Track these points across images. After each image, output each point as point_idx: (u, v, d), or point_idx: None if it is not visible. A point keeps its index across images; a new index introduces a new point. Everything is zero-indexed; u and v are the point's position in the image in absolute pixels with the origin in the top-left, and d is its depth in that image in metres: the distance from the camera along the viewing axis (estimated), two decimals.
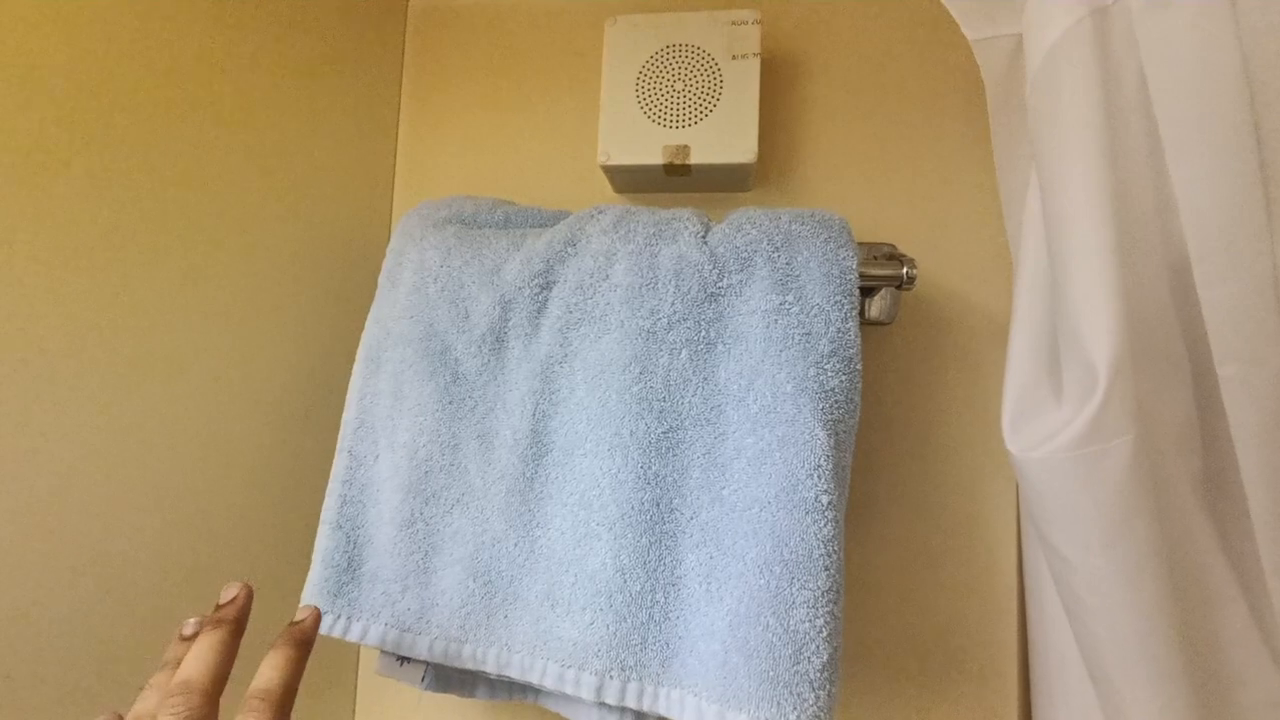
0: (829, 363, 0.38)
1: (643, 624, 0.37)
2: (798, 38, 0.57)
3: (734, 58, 0.52)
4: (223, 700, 0.29)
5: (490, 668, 0.39)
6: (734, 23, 0.52)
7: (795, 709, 0.34)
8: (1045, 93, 0.41)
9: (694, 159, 0.51)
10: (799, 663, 0.34)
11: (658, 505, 0.39)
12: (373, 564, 0.43)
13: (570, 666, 0.38)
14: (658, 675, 0.37)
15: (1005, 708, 0.50)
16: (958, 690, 0.50)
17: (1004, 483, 0.52)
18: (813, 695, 0.34)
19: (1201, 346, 0.39)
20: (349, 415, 0.46)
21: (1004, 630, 0.50)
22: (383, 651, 0.44)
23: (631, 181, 0.57)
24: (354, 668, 0.60)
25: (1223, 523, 0.41)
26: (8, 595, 0.35)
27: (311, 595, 0.43)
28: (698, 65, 0.52)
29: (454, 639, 0.40)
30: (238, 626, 0.31)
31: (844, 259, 0.40)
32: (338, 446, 0.46)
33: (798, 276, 0.40)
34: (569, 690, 0.38)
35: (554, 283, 0.43)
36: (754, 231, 0.41)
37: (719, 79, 0.52)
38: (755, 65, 0.51)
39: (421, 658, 0.41)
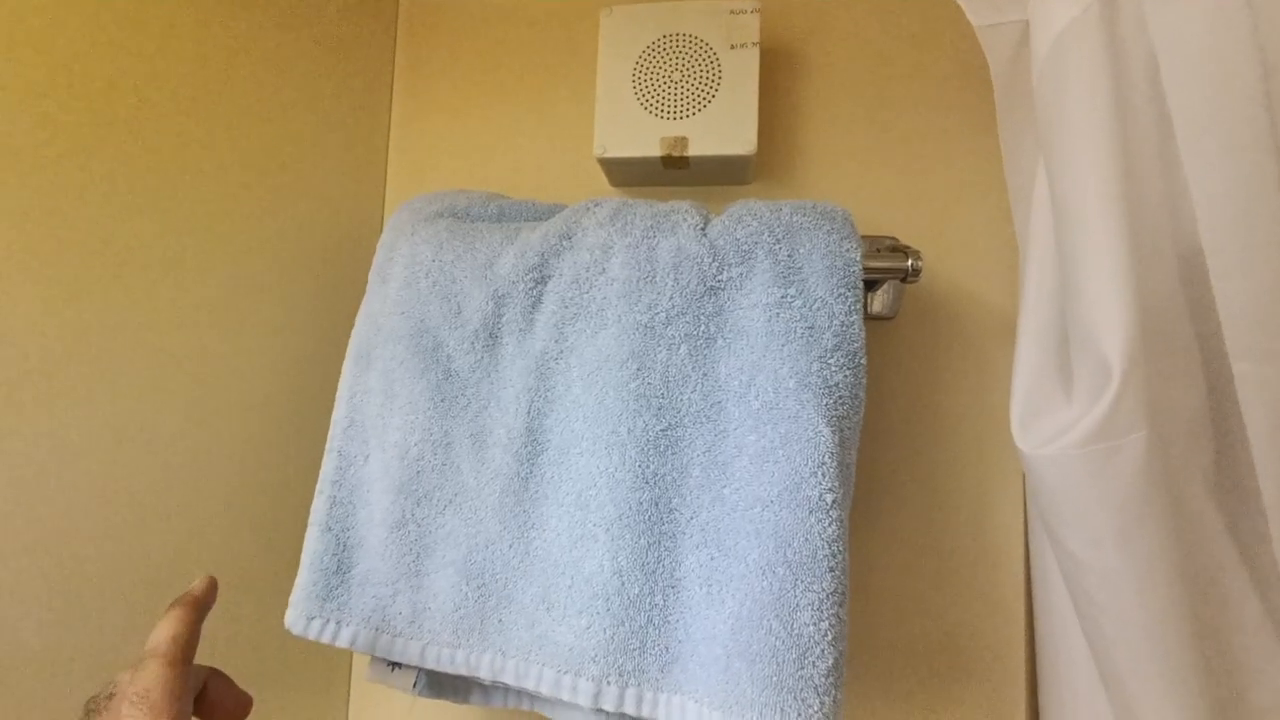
0: (833, 357, 0.37)
1: (641, 628, 0.36)
2: (797, 27, 0.56)
3: (733, 47, 0.50)
4: None
5: (484, 674, 0.38)
6: (733, 11, 0.51)
7: (800, 715, 0.33)
8: (1053, 81, 0.40)
9: (692, 151, 0.50)
10: (804, 667, 0.33)
11: (656, 505, 0.37)
12: (363, 567, 0.42)
13: (567, 672, 0.37)
14: (657, 681, 0.36)
15: (1013, 711, 0.49)
16: (965, 693, 0.49)
17: (1011, 481, 0.50)
18: (818, 701, 0.33)
19: (1214, 341, 0.38)
20: (338, 414, 0.45)
21: (1012, 631, 0.49)
22: (374, 657, 0.42)
23: (629, 175, 0.56)
24: (347, 672, 0.58)
25: (1235, 520, 0.40)
26: None
27: (300, 599, 0.42)
28: (696, 55, 0.51)
29: (447, 644, 0.39)
30: (198, 604, 0.31)
31: (847, 251, 0.39)
32: (327, 446, 0.44)
33: (800, 269, 0.39)
34: (565, 696, 0.36)
35: (549, 277, 0.42)
36: (754, 223, 0.40)
37: (717, 69, 0.50)
38: (754, 55, 0.50)
39: (413, 663, 0.40)
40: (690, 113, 0.51)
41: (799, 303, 0.38)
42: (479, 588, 0.39)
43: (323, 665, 0.55)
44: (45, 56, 0.36)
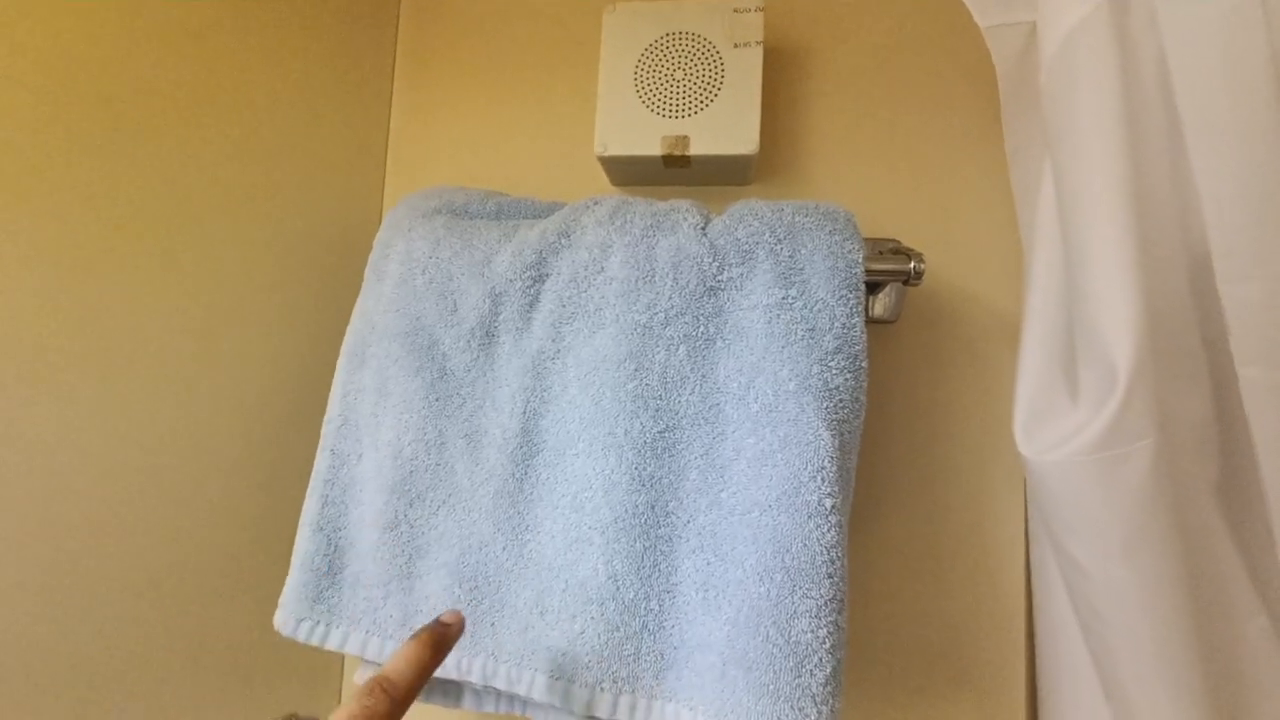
0: (833, 360, 0.36)
1: (636, 634, 0.36)
2: (801, 26, 0.56)
3: (736, 46, 0.50)
4: None
5: (476, 678, 0.38)
6: (736, 10, 0.50)
7: None
8: (1061, 81, 0.39)
9: (693, 150, 0.50)
10: (801, 676, 0.32)
11: (653, 509, 0.37)
12: (354, 568, 0.41)
13: (560, 678, 0.36)
14: (651, 688, 0.35)
15: None
16: (963, 703, 0.49)
17: (1012, 487, 0.50)
18: (815, 710, 0.32)
19: (1221, 346, 0.37)
20: (332, 412, 0.44)
21: (1011, 640, 0.49)
22: (364, 659, 0.42)
23: (629, 174, 0.55)
24: (339, 672, 0.58)
25: (1242, 531, 0.39)
26: None
27: (289, 600, 0.41)
28: (698, 53, 0.50)
29: None
30: (444, 643, 0.31)
31: (849, 252, 0.38)
32: (320, 445, 0.44)
33: (801, 270, 0.38)
34: (558, 703, 0.36)
35: (547, 275, 0.41)
36: (755, 223, 0.39)
37: (720, 68, 0.50)
38: (758, 54, 0.49)
39: None
40: (692, 111, 0.50)
41: (800, 304, 0.37)
42: (471, 590, 0.39)
43: (314, 666, 0.55)
44: (40, 53, 0.36)
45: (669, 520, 0.37)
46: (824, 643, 0.33)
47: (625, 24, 0.52)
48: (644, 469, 0.37)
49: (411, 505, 0.40)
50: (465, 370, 0.41)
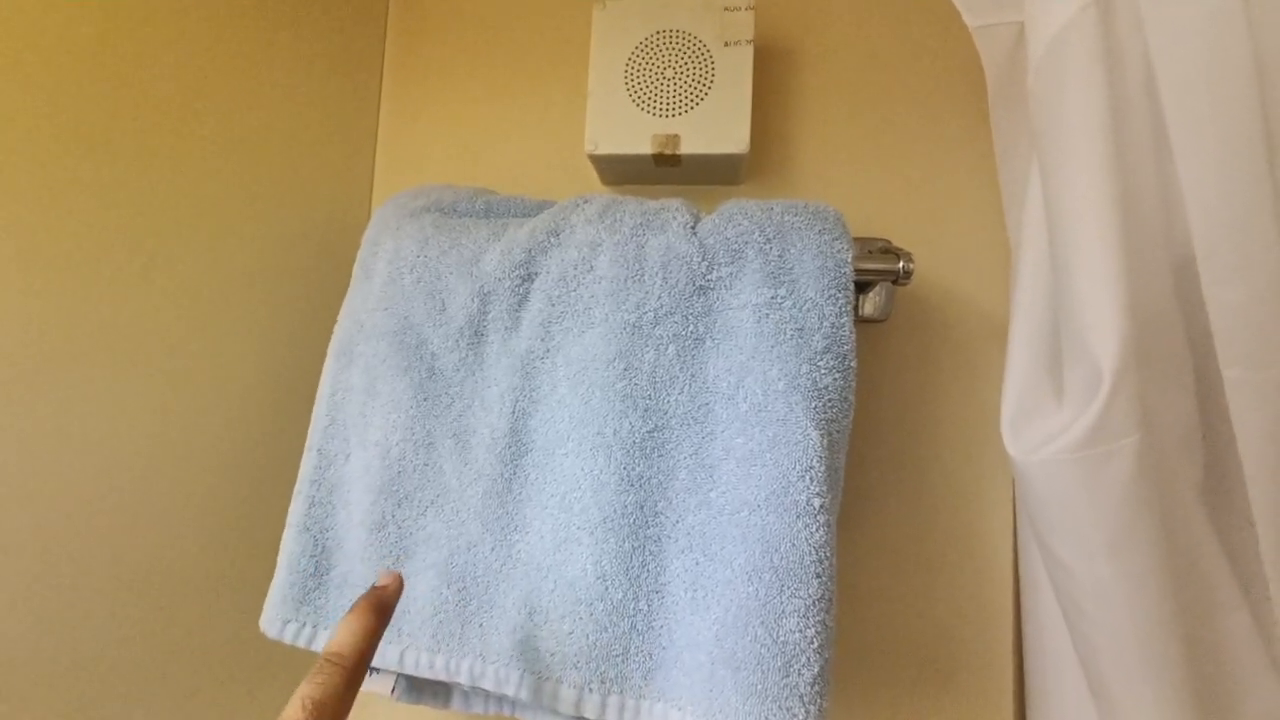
0: (822, 359, 0.36)
1: (625, 634, 0.35)
2: (791, 25, 0.56)
3: (726, 45, 0.50)
4: None
5: (464, 679, 0.37)
6: (727, 8, 0.50)
7: None
8: (1048, 83, 0.39)
9: (684, 149, 0.50)
10: (789, 675, 0.33)
11: (641, 508, 0.37)
12: (341, 569, 0.41)
13: (548, 679, 0.36)
14: (640, 688, 0.35)
15: (999, 719, 0.48)
16: (951, 701, 0.49)
17: (1000, 487, 0.50)
18: (802, 710, 0.32)
19: (1205, 347, 0.38)
20: (319, 412, 0.44)
21: (999, 639, 0.49)
22: None
23: (620, 172, 0.55)
24: None
25: (1225, 530, 0.40)
26: None
27: (275, 601, 0.41)
28: (689, 52, 0.50)
29: (426, 648, 0.38)
30: (385, 607, 0.31)
31: (839, 252, 0.38)
32: (306, 445, 0.43)
33: (790, 270, 0.38)
34: (546, 703, 0.36)
35: (536, 274, 0.41)
36: (745, 222, 0.39)
37: (710, 66, 0.50)
38: (748, 53, 0.49)
39: (392, 668, 0.39)
40: (683, 110, 0.50)
41: (789, 303, 0.37)
42: (460, 591, 0.38)
43: (302, 669, 0.54)
44: (27, 51, 0.35)
45: (658, 520, 0.37)
46: (812, 642, 0.33)
47: (615, 22, 0.51)
48: (633, 469, 0.37)
49: (399, 505, 0.40)
50: (454, 369, 0.41)
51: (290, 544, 0.42)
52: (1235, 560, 0.39)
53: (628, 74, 0.51)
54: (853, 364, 0.37)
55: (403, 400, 0.41)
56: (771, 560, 0.34)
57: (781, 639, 0.33)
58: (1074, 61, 0.38)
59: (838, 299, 0.37)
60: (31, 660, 0.36)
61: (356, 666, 0.28)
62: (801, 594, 0.33)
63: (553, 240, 0.42)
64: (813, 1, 0.56)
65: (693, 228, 0.41)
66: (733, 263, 0.39)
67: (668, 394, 0.38)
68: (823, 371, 0.36)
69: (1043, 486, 0.37)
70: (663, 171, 0.53)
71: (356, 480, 0.42)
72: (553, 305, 0.40)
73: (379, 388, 0.41)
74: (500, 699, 0.41)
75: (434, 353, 0.41)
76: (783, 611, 0.33)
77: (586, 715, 0.35)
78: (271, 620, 0.41)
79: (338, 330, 0.45)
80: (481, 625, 0.38)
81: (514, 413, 0.40)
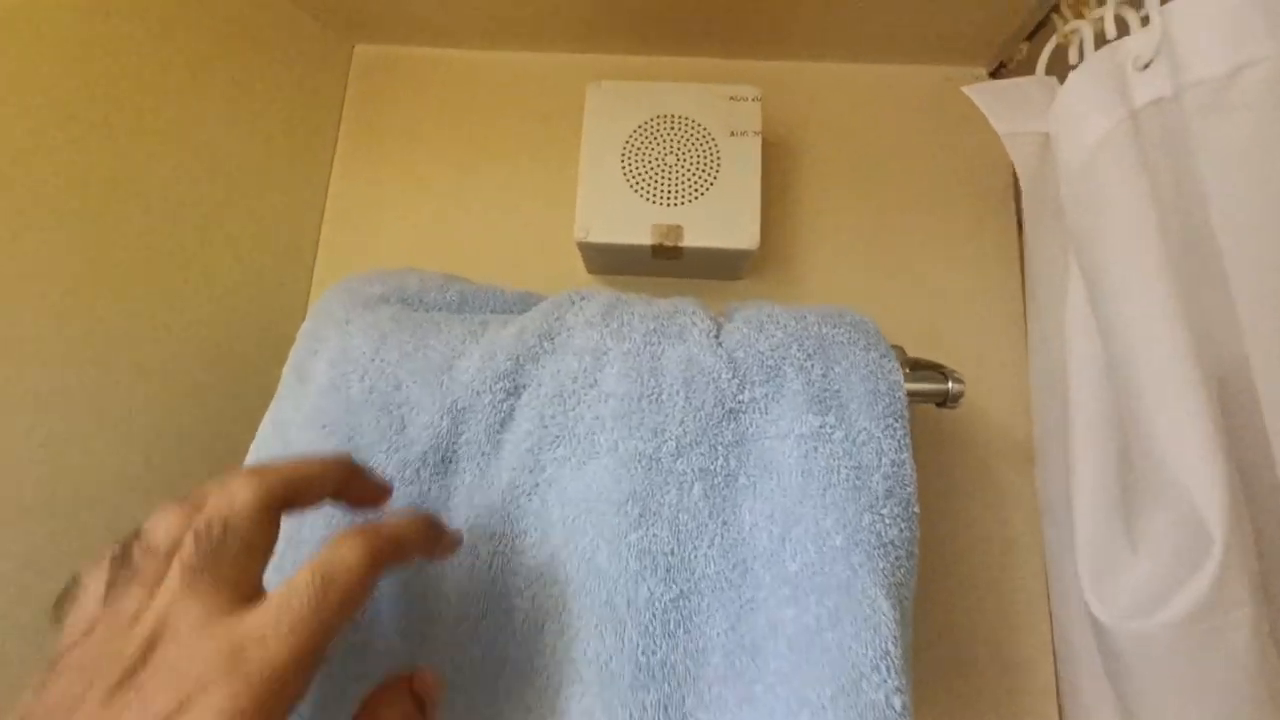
0: (885, 506, 0.30)
1: None
2: (794, 116, 0.53)
3: (733, 134, 0.46)
4: None
5: None
6: (733, 98, 0.46)
7: None
8: (1088, 197, 0.37)
9: (687, 241, 0.44)
10: None
11: (666, 710, 0.28)
12: None
13: None
14: None
15: None
16: None
17: (1038, 623, 0.44)
18: None
19: (1263, 474, 0.34)
20: None
21: None
22: None
23: (610, 262, 0.49)
24: None
25: None
26: None
27: None
28: (692, 139, 0.46)
29: None
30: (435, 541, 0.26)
31: (890, 372, 0.33)
32: None
33: (838, 393, 0.32)
34: None
35: (524, 387, 0.33)
36: (779, 333, 0.33)
37: (716, 156, 0.45)
38: (756, 144, 0.46)
39: None
40: (686, 200, 0.45)
41: (839, 434, 0.31)
42: None
43: None
44: None
45: None
46: None
47: (611, 102, 0.47)
48: (653, 653, 0.28)
49: (325, 709, 0.29)
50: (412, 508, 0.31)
51: None
52: None
53: (625, 158, 0.45)
54: (916, 511, 0.31)
55: None
56: None
57: None
58: (1114, 177, 0.36)
59: (895, 430, 0.31)
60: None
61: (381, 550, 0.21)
62: None
63: (546, 345, 0.34)
64: (818, 94, 0.54)
65: (716, 336, 0.34)
66: (768, 381, 0.32)
67: (695, 549, 0.30)
68: (887, 522, 0.29)
69: (1138, 659, 0.31)
70: (659, 264, 0.47)
71: None
72: (545, 427, 0.32)
73: (306, 535, 0.31)
74: None
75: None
76: None
77: None
78: None
79: (253, 452, 0.34)
80: None
81: (490, 569, 0.30)
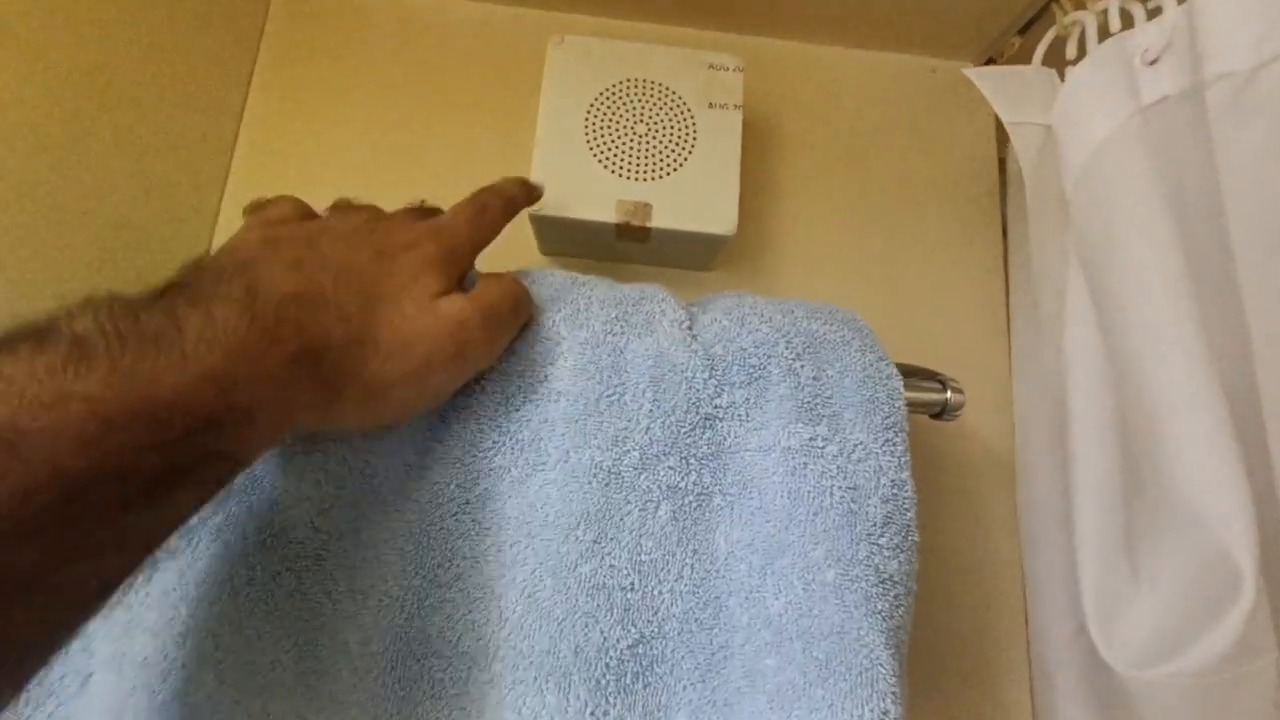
0: (884, 535, 0.25)
1: None
2: (775, 94, 0.49)
3: (711, 106, 0.41)
4: None
5: None
6: (713, 66, 0.41)
7: None
8: (1094, 202, 0.34)
9: (656, 222, 0.39)
10: None
11: None
12: None
13: None
14: None
15: None
16: None
17: (1015, 648, 0.41)
18: None
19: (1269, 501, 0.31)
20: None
21: None
22: None
23: (567, 241, 0.43)
24: None
25: None
26: None
27: None
28: (666, 108, 0.41)
29: None
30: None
31: (888, 379, 0.28)
32: None
33: (830, 400, 0.27)
34: None
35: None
36: (763, 328, 0.29)
37: (691, 128, 0.40)
38: (737, 119, 0.41)
39: None
40: (656, 175, 0.40)
41: (832, 449, 0.26)
42: None
43: None
44: None
45: None
46: None
47: (576, 61, 0.41)
48: (604, 712, 0.23)
49: None
50: (309, 536, 0.25)
51: None
52: None
53: (589, 124, 0.40)
54: (916, 540, 0.27)
55: (215, 580, 0.24)
56: None
57: None
58: (1124, 172, 0.33)
59: (895, 445, 0.27)
60: None
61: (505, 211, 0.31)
62: None
63: None
64: (800, 75, 0.49)
65: (689, 328, 0.29)
66: (751, 384, 0.27)
67: (659, 583, 0.25)
68: (886, 554, 0.25)
69: (1151, 708, 0.28)
70: (623, 246, 0.42)
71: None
72: (481, 430, 0.26)
73: (163, 565, 0.24)
74: None
75: (278, 502, 0.25)
76: None
77: None
78: None
79: None
80: None
81: (404, 610, 0.24)
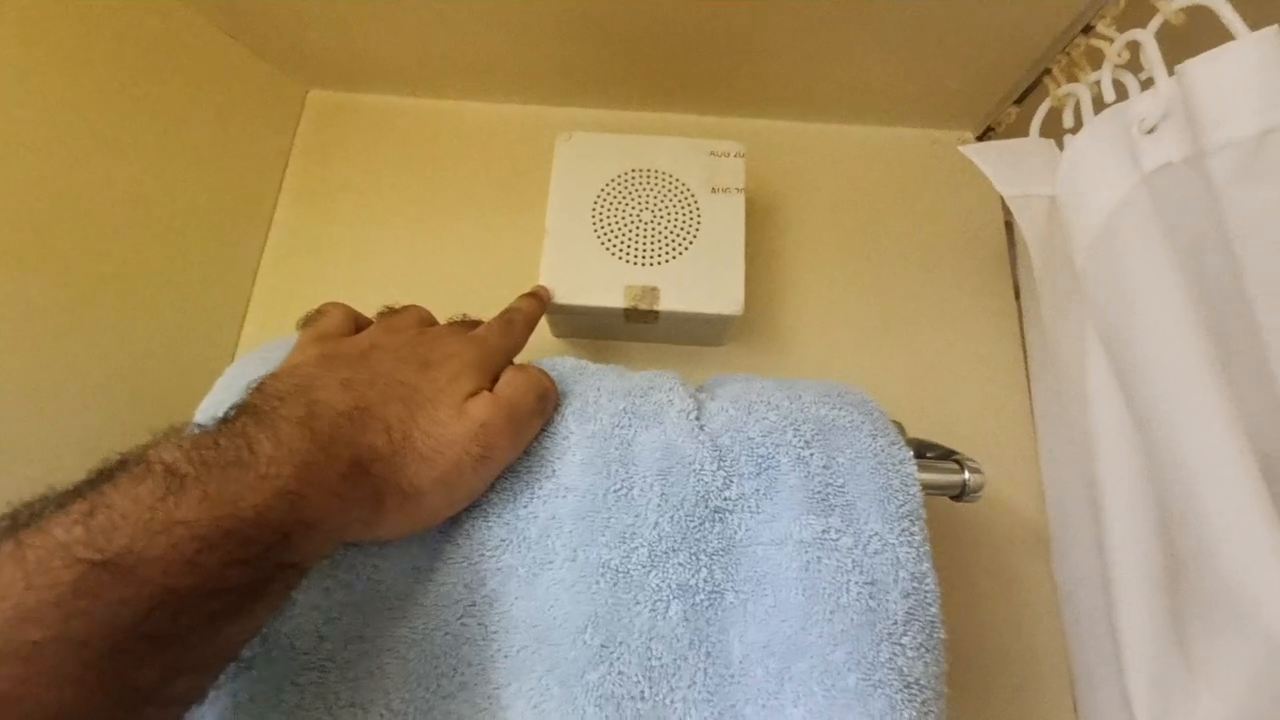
0: (907, 634, 0.24)
1: None
2: (778, 175, 0.50)
3: (714, 191, 0.42)
4: None
5: None
6: (714, 154, 0.43)
7: None
8: (1108, 271, 0.33)
9: (664, 305, 0.40)
10: None
11: None
12: None
13: None
14: None
15: None
16: None
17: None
18: None
19: None
20: None
21: None
22: None
23: (579, 326, 0.44)
24: None
25: None
26: None
27: None
28: (670, 195, 0.42)
29: None
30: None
31: (901, 463, 0.28)
32: None
33: (843, 489, 0.27)
34: None
35: None
36: (771, 415, 0.28)
37: (695, 214, 0.42)
38: (739, 202, 0.42)
39: None
40: (662, 260, 0.41)
41: (847, 540, 0.26)
42: None
43: None
44: None
45: None
46: None
47: (582, 155, 0.43)
48: None
49: None
50: (314, 645, 0.25)
51: None
52: None
53: (596, 214, 0.41)
54: (942, 638, 0.25)
55: (223, 696, 0.24)
56: None
57: None
58: (1136, 241, 0.33)
59: (913, 535, 0.26)
60: None
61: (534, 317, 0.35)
62: None
63: None
64: (802, 154, 0.51)
65: (697, 417, 0.29)
66: (760, 474, 0.27)
67: (671, 690, 0.24)
68: (910, 655, 0.24)
69: None
70: (633, 328, 0.43)
71: None
72: (489, 528, 0.26)
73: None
74: None
75: (287, 610, 0.25)
76: None
77: None
78: None
79: None
80: None
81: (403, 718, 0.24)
